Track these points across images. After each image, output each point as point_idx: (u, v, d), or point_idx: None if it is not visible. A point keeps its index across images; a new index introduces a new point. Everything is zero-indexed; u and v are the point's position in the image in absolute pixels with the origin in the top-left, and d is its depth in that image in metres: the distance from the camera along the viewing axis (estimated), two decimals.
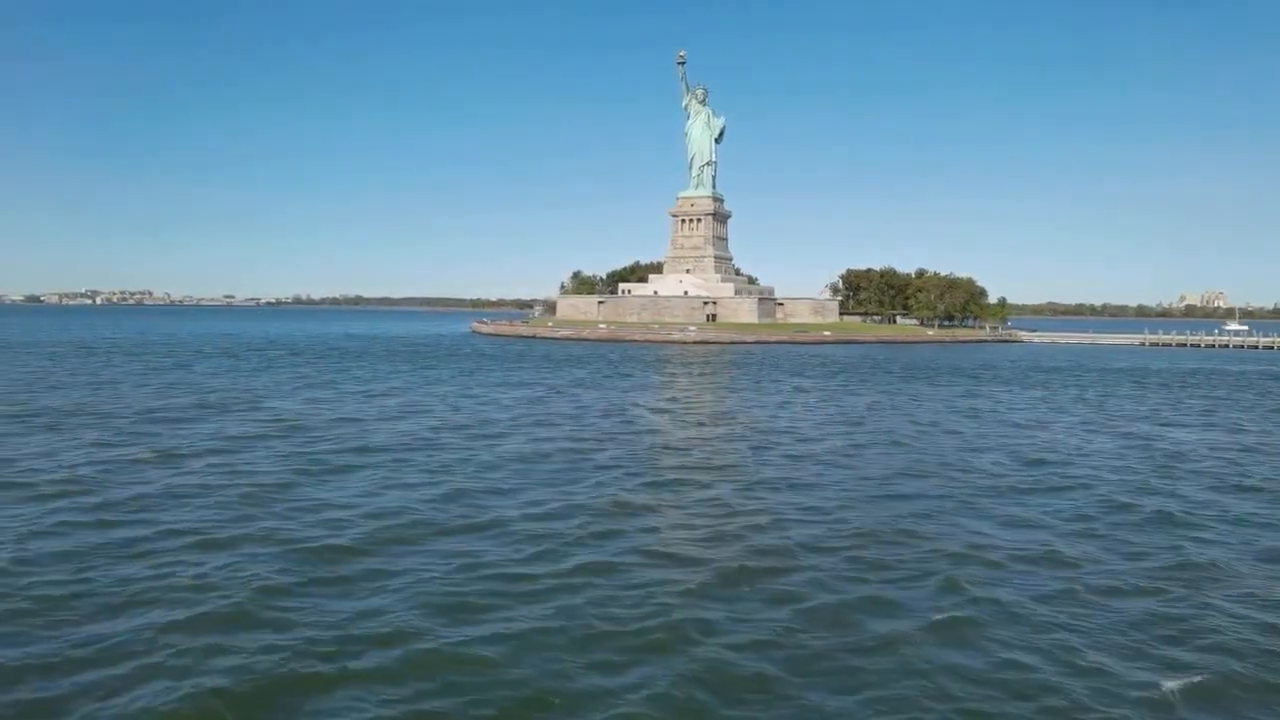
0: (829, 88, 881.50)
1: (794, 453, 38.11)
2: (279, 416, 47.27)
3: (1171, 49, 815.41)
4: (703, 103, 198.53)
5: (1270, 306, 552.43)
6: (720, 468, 34.39)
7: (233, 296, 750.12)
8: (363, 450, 36.79)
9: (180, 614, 17.15)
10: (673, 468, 34.25)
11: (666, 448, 39.20)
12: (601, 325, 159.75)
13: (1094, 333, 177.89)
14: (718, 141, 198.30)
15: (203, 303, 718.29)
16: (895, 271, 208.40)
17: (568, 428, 45.09)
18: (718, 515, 26.08)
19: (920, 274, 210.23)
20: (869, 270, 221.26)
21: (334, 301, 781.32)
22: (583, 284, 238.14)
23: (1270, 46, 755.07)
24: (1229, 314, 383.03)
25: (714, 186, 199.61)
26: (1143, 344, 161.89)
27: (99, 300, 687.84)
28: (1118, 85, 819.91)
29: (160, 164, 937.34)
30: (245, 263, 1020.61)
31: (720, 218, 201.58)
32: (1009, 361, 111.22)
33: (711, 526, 24.77)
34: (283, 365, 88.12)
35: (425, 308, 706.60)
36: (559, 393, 63.31)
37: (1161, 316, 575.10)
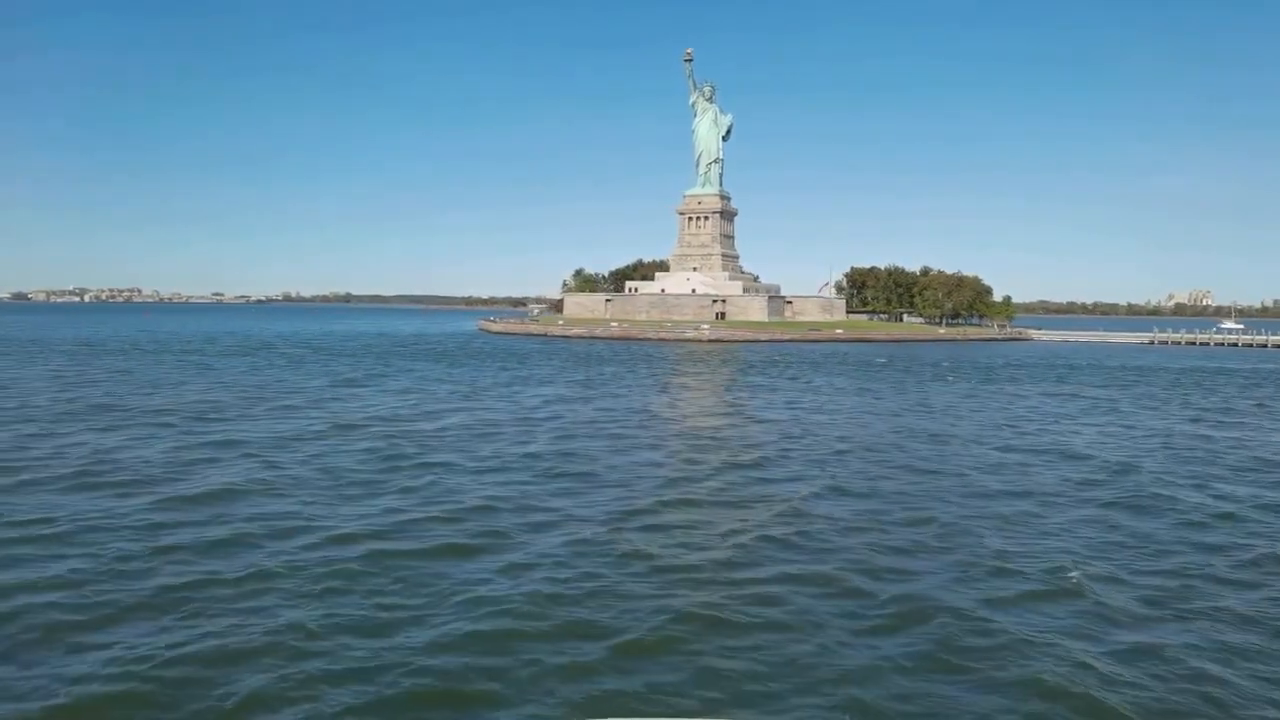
0: (820, 86, 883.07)
1: (864, 453, 37.69)
2: (338, 414, 46.86)
3: (1157, 47, 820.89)
4: (710, 100, 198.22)
5: (1258, 305, 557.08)
6: (796, 467, 33.95)
7: (221, 294, 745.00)
8: (453, 449, 36.24)
9: (342, 612, 16.95)
10: (746, 465, 33.93)
11: (733, 447, 38.92)
12: (613, 324, 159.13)
13: (1102, 331, 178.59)
14: (725, 139, 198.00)
15: (191, 300, 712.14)
16: (903, 270, 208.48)
17: (634, 426, 44.83)
18: (812, 522, 25.03)
19: (925, 272, 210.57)
20: (873, 268, 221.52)
21: (324, 299, 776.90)
22: (585, 282, 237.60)
23: (1255, 46, 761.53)
24: (1220, 313, 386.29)
25: (721, 184, 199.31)
26: (1151, 342, 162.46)
27: (87, 298, 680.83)
28: (1105, 84, 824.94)
29: (147, 161, 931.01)
30: (233, 260, 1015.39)
31: (727, 216, 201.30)
32: (1030, 360, 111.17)
33: (811, 532, 23.74)
34: (312, 363, 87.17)
35: (416, 305, 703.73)
36: (613, 393, 62.63)
37: (1152, 315, 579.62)
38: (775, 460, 34.95)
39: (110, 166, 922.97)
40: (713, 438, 40.79)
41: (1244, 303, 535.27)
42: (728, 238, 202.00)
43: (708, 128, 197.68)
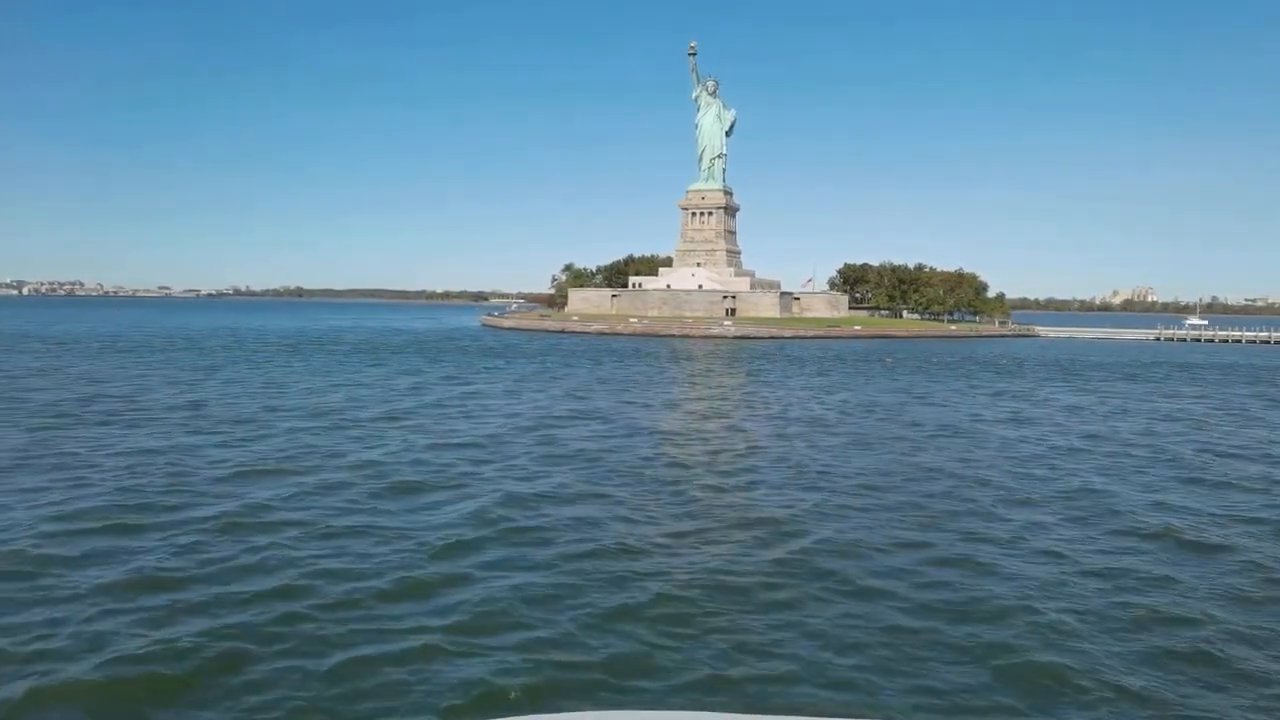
0: (806, 82, 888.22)
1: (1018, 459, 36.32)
2: (514, 414, 44.89)
3: (1126, 42, 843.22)
4: (713, 95, 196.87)
5: (1196, 300, 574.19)
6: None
7: (169, 288, 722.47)
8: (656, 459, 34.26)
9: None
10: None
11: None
12: (633, 319, 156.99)
13: (1108, 328, 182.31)
14: (728, 134, 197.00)
15: (138, 294, 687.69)
16: (906, 266, 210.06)
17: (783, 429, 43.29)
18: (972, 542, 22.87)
19: (920, 268, 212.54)
20: (866, 265, 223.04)
21: (275, 293, 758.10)
22: (576, 277, 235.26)
23: (1212, 39, 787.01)
24: (1169, 309, 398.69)
25: (724, 180, 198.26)
26: (1157, 338, 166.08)
27: (26, 290, 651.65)
28: (1057, 76, 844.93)
29: (88, 153, 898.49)
30: (178, 254, 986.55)
31: (730, 211, 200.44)
32: (1068, 358, 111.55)
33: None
34: (378, 363, 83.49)
35: (372, 300, 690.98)
36: (771, 398, 60.51)
37: (1103, 310, 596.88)
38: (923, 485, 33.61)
39: (50, 158, 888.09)
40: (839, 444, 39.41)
41: (1184, 299, 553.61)
42: (730, 233, 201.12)
43: (711, 122, 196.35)
